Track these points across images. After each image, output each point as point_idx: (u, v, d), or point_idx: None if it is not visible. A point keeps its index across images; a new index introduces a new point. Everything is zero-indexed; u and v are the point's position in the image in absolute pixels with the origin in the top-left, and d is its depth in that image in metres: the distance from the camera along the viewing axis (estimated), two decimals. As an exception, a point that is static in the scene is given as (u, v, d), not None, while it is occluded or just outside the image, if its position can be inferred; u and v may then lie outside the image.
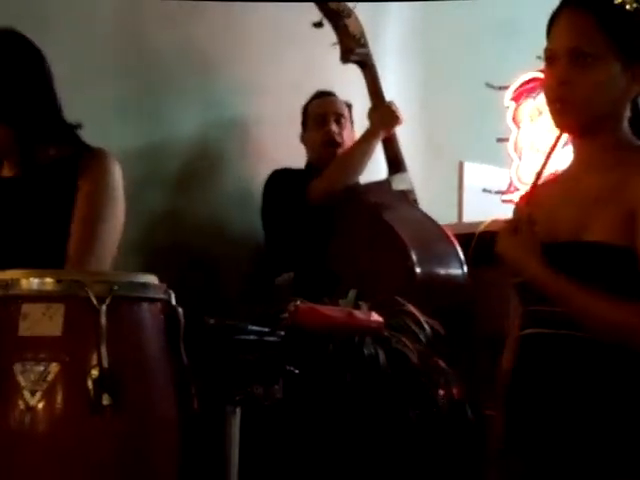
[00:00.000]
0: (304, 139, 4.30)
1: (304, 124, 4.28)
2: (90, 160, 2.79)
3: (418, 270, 3.58)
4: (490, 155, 4.32)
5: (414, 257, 3.58)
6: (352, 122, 4.23)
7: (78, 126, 2.83)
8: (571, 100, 2.07)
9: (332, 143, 4.15)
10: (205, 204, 4.27)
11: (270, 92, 4.34)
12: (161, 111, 4.14)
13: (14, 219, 2.74)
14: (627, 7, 2.07)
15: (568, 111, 2.09)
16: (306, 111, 4.25)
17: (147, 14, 4.08)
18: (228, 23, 4.33)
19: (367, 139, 4.03)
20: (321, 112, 4.18)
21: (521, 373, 2.11)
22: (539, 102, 3.98)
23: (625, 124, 2.11)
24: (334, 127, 4.15)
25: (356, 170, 3.97)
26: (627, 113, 2.10)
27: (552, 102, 2.11)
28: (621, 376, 1.98)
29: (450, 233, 3.77)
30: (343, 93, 4.22)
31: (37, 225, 2.72)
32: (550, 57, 2.11)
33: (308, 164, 4.26)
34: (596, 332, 1.97)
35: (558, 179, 2.21)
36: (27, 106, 2.80)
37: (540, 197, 2.17)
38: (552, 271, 2.00)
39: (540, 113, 3.99)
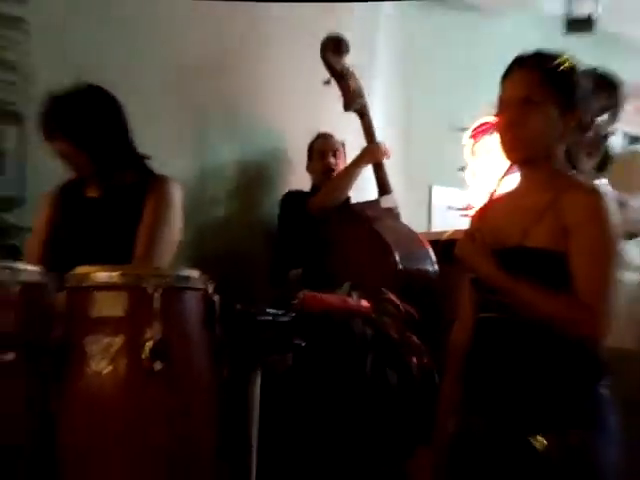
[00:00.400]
0: (309, 168, 4.29)
1: (309, 157, 4.28)
2: (155, 184, 2.80)
3: (400, 267, 3.61)
4: (453, 181, 4.33)
5: (397, 257, 3.61)
6: (345, 155, 4.21)
7: (147, 157, 2.83)
8: (520, 138, 2.07)
9: (330, 172, 4.15)
10: (240, 217, 4.30)
11: (288, 131, 4.34)
12: (209, 144, 4.15)
13: (98, 229, 2.74)
14: (563, 65, 2.08)
15: (517, 147, 2.09)
16: (312, 147, 4.24)
17: (198, 71, 4.08)
18: (258, 77, 4.34)
19: (353, 166, 4.05)
20: (322, 148, 4.18)
21: (477, 347, 2.10)
22: (491, 140, 3.98)
23: (560, 156, 2.10)
24: (332, 160, 4.16)
25: (343, 190, 4.01)
26: (562, 148, 2.09)
27: (504, 140, 2.11)
28: (548, 348, 1.98)
29: (423, 239, 3.80)
30: (344, 132, 4.22)
31: (115, 233, 2.72)
32: (504, 103, 2.10)
33: (313, 187, 4.24)
34: (532, 316, 1.98)
35: (506, 198, 2.20)
36: (106, 142, 2.81)
37: (492, 211, 2.18)
38: (500, 270, 2.00)
39: (490, 149, 3.99)
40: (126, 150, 2.85)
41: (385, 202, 3.94)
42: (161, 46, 3.99)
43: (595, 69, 3.18)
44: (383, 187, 3.97)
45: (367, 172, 4.07)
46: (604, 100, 3.15)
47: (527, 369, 2.00)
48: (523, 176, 2.15)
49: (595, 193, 2.03)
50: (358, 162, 4.01)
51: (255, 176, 4.36)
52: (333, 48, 3.95)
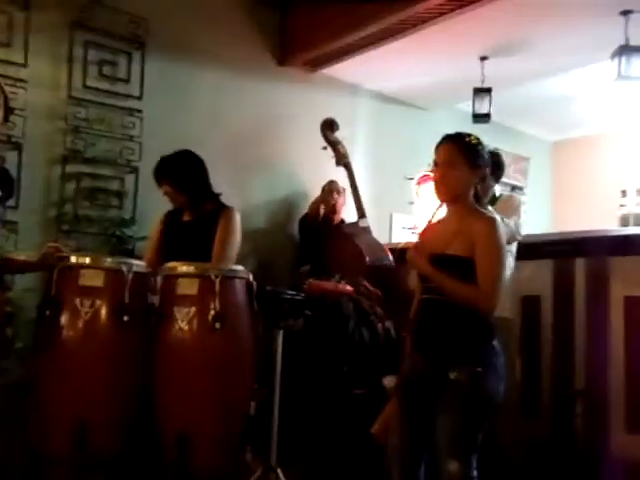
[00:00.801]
0: (321, 200, 4.04)
1: (322, 193, 4.04)
2: (225, 212, 2.75)
3: (369, 264, 3.54)
4: (405, 210, 4.28)
5: (367, 259, 3.55)
6: (345, 196, 4.02)
7: (219, 194, 2.80)
8: (444, 186, 2.05)
9: (333, 206, 3.97)
10: (273, 232, 4.16)
11: (303, 177, 4.23)
12: (251, 188, 4.05)
13: (190, 241, 2.69)
14: (471, 141, 2.05)
15: (443, 192, 2.06)
16: (324, 188, 4.04)
17: (244, 141, 4.01)
18: (284, 144, 4.23)
19: None
20: (331, 188, 3.99)
21: (420, 316, 2.07)
22: (427, 186, 3.94)
23: (470, 197, 2.07)
24: (335, 196, 3.96)
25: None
26: (471, 191, 2.06)
27: (436, 187, 2.09)
28: (461, 317, 1.95)
29: (386, 248, 3.75)
30: (336, 178, 4.08)
31: (200, 244, 2.66)
32: (436, 164, 2.08)
33: (320, 214, 4.03)
34: (452, 297, 1.95)
35: (439, 223, 2.17)
36: (196, 187, 2.78)
37: (430, 231, 2.15)
38: (432, 267, 1.98)
39: (428, 191, 3.95)
40: (207, 190, 2.82)
41: (362, 223, 3.86)
42: (223, 124, 3.95)
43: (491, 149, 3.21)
44: (360, 212, 3.90)
45: (349, 202, 3.96)
46: (493, 168, 3.12)
47: (448, 330, 1.97)
48: (448, 209, 2.12)
49: (491, 220, 2.00)
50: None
51: (282, 208, 4.27)
52: (328, 127, 3.88)
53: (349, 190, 3.91)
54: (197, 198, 2.78)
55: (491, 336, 1.99)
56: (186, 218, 2.84)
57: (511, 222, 2.97)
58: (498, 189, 3.31)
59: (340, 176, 4.04)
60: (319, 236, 3.84)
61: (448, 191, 2.05)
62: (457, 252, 1.97)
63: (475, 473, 1.92)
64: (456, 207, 2.07)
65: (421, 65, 4.27)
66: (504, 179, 4.06)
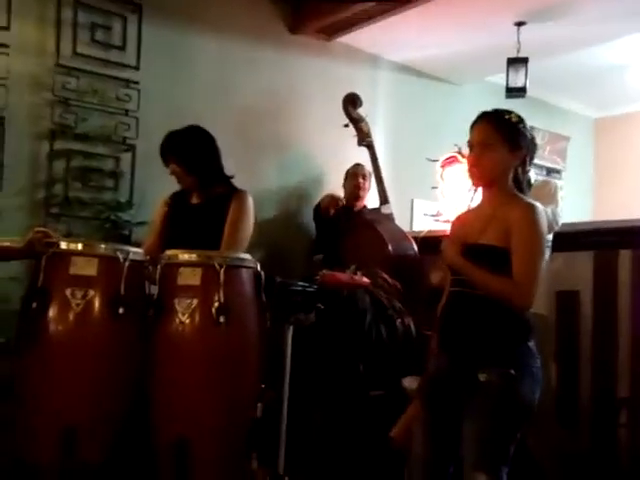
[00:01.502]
0: (344, 185, 4.10)
1: (345, 178, 4.08)
2: (236, 195, 2.75)
3: (392, 254, 3.54)
4: (428, 195, 4.25)
5: (390, 247, 3.55)
6: (370, 180, 4.05)
7: (231, 176, 2.80)
8: (480, 169, 2.04)
9: (358, 190, 3.98)
10: (285, 220, 4.20)
11: (320, 159, 4.22)
12: (262, 170, 4.08)
13: (199, 226, 2.70)
14: (512, 119, 2.04)
15: (478, 176, 2.06)
16: (348, 171, 4.06)
17: (257, 117, 4.02)
18: (300, 121, 4.24)
19: None
20: (356, 172, 4.01)
21: (447, 311, 2.07)
22: (453, 169, 3.93)
23: (509, 181, 2.05)
24: (361, 181, 3.99)
25: None
26: (510, 175, 2.05)
27: (470, 171, 2.08)
28: (494, 313, 1.95)
29: (409, 236, 3.75)
30: (357, 160, 4.11)
31: (209, 228, 2.67)
32: (470, 145, 2.07)
33: (346, 199, 4.09)
34: (483, 291, 1.94)
35: (473, 210, 2.16)
36: (206, 167, 2.77)
37: (463, 219, 2.15)
38: (463, 259, 1.97)
39: (454, 174, 3.94)
40: (218, 171, 2.81)
41: (384, 209, 3.88)
42: (230, 99, 3.95)
43: None
44: (383, 197, 3.91)
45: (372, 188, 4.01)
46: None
47: (479, 326, 1.96)
48: (483, 195, 2.11)
49: (530, 206, 1.99)
50: None
51: (295, 192, 4.27)
52: (351, 102, 3.90)
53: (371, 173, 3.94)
54: (207, 180, 2.78)
55: (527, 335, 1.98)
56: (194, 201, 2.83)
57: (548, 210, 2.95)
58: (532, 174, 3.29)
59: (360, 157, 4.03)
60: (336, 223, 3.84)
61: (483, 175, 2.04)
62: (491, 241, 1.96)
63: None
64: (492, 193, 2.06)
65: (448, 33, 4.23)
66: (539, 161, 4.03)
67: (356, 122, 3.89)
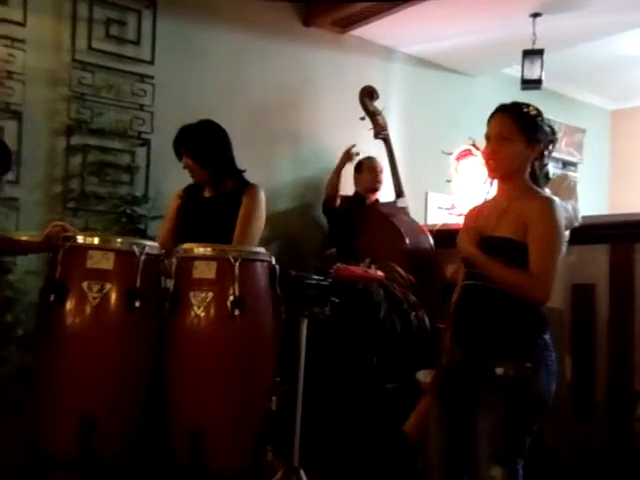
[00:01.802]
0: (356, 178, 4.08)
1: (359, 170, 4.06)
2: (249, 189, 2.75)
3: (409, 247, 3.53)
4: (442, 189, 4.23)
5: (407, 241, 3.53)
6: (383, 175, 4.03)
7: (243, 170, 2.81)
8: (497, 162, 2.03)
9: (377, 186, 4.00)
10: (299, 213, 4.19)
11: (333, 152, 4.13)
12: (277, 157, 4.09)
13: (211, 219, 2.71)
14: (531, 112, 2.03)
15: (495, 168, 2.04)
16: (362, 164, 4.04)
17: (270, 110, 4.03)
18: (314, 114, 4.24)
19: (339, 168, 4.00)
20: (374, 166, 4.00)
21: (461, 304, 2.06)
22: (468, 161, 3.92)
23: (526, 175, 2.04)
24: (381, 177, 3.99)
25: (338, 185, 3.98)
26: (527, 169, 2.04)
27: (487, 163, 2.07)
28: (509, 306, 1.95)
29: (425, 229, 3.74)
30: (367, 150, 4.09)
31: (222, 222, 2.68)
32: (487, 137, 2.05)
33: (355, 193, 4.08)
34: (498, 284, 1.93)
35: (488, 203, 2.15)
36: (219, 161, 2.77)
37: (478, 211, 2.14)
38: (480, 251, 1.97)
39: (469, 168, 3.93)
40: (230, 165, 2.82)
41: (400, 203, 3.87)
42: (244, 92, 3.95)
43: None
44: (399, 191, 3.89)
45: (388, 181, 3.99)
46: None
47: (494, 320, 1.96)
48: (499, 188, 2.09)
49: (548, 200, 1.98)
50: (337, 166, 3.97)
51: (309, 185, 4.25)
52: (368, 95, 3.88)
53: (387, 166, 3.91)
54: (220, 173, 2.79)
55: (543, 328, 1.97)
56: (207, 194, 2.85)
57: (569, 206, 2.93)
58: (550, 167, 3.27)
59: (373, 150, 4.02)
60: (348, 216, 3.84)
61: (500, 168, 2.03)
62: (507, 234, 1.95)
63: None
64: (508, 186, 2.04)
65: (463, 24, 4.21)
66: (555, 154, 3.97)
67: (373, 115, 3.87)
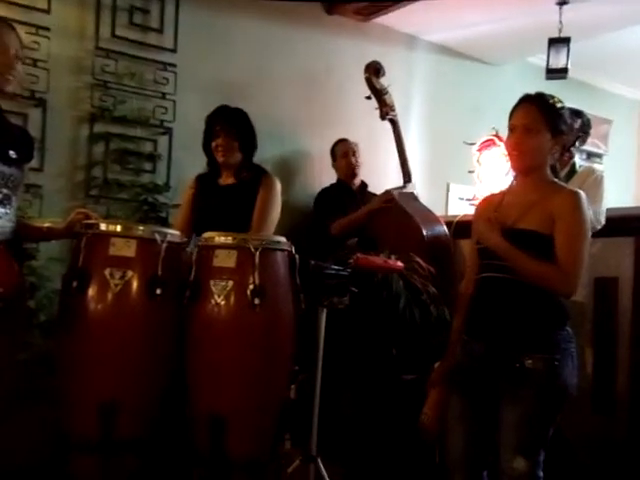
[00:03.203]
0: (335, 166, 3.95)
1: (333, 157, 3.95)
2: (265, 178, 2.80)
3: (426, 238, 3.49)
4: (464, 180, 4.20)
5: (424, 231, 3.49)
6: (359, 154, 3.90)
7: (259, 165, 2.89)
8: (521, 154, 2.01)
9: (353, 169, 3.86)
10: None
11: (353, 136, 4.01)
12: (299, 148, 4.06)
13: (230, 207, 2.74)
14: (556, 104, 2.03)
15: (519, 160, 2.03)
16: (334, 150, 3.93)
17: (296, 99, 4.03)
18: (337, 100, 4.22)
19: (369, 210, 3.65)
20: (345, 150, 3.88)
21: (481, 297, 2.06)
22: (490, 152, 3.88)
23: (548, 168, 2.04)
24: (353, 159, 3.87)
25: (356, 226, 3.63)
26: (549, 162, 2.04)
27: (510, 155, 2.06)
28: (532, 298, 1.95)
29: (440, 219, 3.69)
30: (382, 138, 4.00)
31: (241, 210, 2.72)
32: (511, 128, 2.04)
33: (338, 180, 3.95)
34: (523, 276, 1.93)
35: (505, 194, 2.14)
36: (254, 145, 2.86)
37: (495, 203, 2.12)
38: (506, 242, 1.95)
39: (491, 158, 3.89)
40: (253, 154, 2.89)
41: (409, 188, 3.78)
42: (266, 80, 3.94)
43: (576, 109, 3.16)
44: (407, 176, 3.78)
45: (392, 162, 3.86)
46: (577, 130, 3.06)
47: (519, 313, 1.96)
48: (520, 180, 2.08)
49: (575, 193, 1.97)
50: (373, 206, 3.65)
51: (332, 174, 4.11)
52: (374, 71, 3.70)
53: (394, 149, 3.77)
54: (250, 158, 2.83)
55: (565, 319, 1.98)
56: (225, 181, 2.86)
57: (590, 212, 2.90)
58: (577, 159, 3.24)
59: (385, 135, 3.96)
60: (357, 204, 3.78)
61: (524, 160, 2.02)
62: (532, 227, 1.94)
63: (541, 474, 1.92)
64: (531, 179, 2.03)
65: (487, 12, 4.15)
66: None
67: (379, 94, 3.67)
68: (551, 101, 2.02)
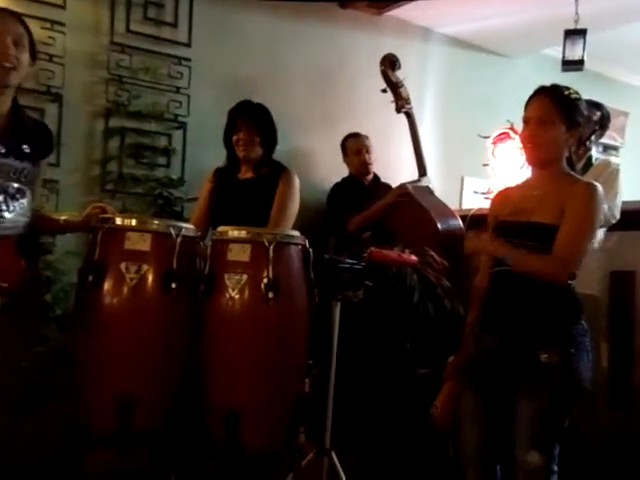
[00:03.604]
0: (346, 161, 3.91)
1: (345, 153, 3.90)
2: (284, 174, 2.80)
3: (440, 231, 3.47)
4: (478, 173, 4.17)
5: (439, 225, 3.46)
6: (371, 148, 3.85)
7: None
8: (536, 147, 1.99)
9: (367, 166, 3.83)
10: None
11: (367, 133, 3.95)
12: (312, 141, 4.03)
13: (249, 201, 2.75)
14: (571, 96, 2.00)
15: (534, 152, 2.01)
16: (344, 145, 3.89)
17: (308, 95, 4.02)
18: (351, 94, 4.21)
19: (385, 204, 3.59)
20: (357, 147, 3.84)
21: (495, 290, 2.05)
22: (505, 145, 3.85)
23: (564, 161, 2.02)
24: (367, 156, 3.83)
25: (373, 220, 3.59)
26: (565, 154, 2.02)
27: (526, 147, 2.04)
28: (546, 292, 1.94)
29: (454, 211, 3.66)
30: (396, 132, 4.00)
31: (260, 204, 2.72)
32: (526, 120, 2.02)
33: (350, 175, 3.91)
34: (524, 272, 1.93)
35: (520, 187, 2.14)
36: (275, 140, 2.87)
37: (511, 196, 2.11)
38: (500, 245, 1.97)
39: (506, 151, 3.86)
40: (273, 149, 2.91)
41: (424, 182, 3.76)
42: (280, 74, 3.94)
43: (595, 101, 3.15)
44: (422, 169, 3.76)
45: (406, 155, 3.86)
46: (595, 122, 3.03)
47: (533, 306, 1.95)
48: (536, 173, 2.07)
49: (592, 186, 1.95)
50: (389, 200, 3.60)
51: (344, 169, 4.22)
52: (389, 64, 3.70)
53: (409, 143, 3.76)
54: (270, 154, 2.84)
55: (580, 313, 1.97)
56: (244, 176, 2.86)
57: (605, 206, 2.88)
58: (594, 152, 3.21)
59: (399, 127, 3.94)
60: (358, 205, 3.74)
61: (539, 153, 2.00)
62: (546, 220, 1.93)
63: (556, 468, 1.91)
64: (547, 172, 2.01)
65: (503, 4, 4.12)
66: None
67: (395, 87, 3.66)
68: (566, 93, 1.99)
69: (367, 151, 3.84)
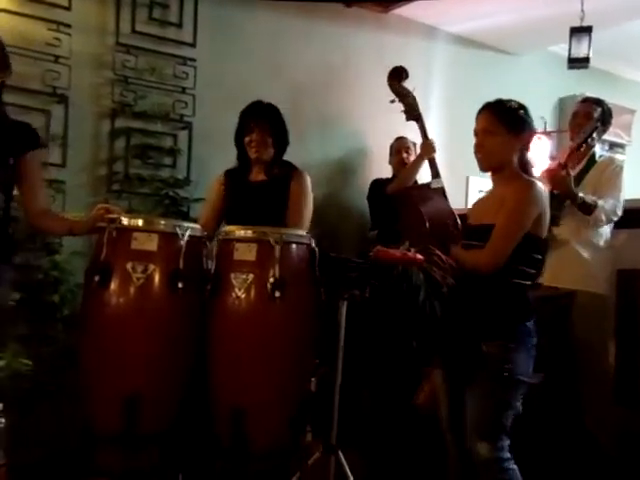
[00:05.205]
0: (390, 162, 4.07)
1: (390, 153, 4.07)
2: (296, 175, 2.79)
3: (428, 232, 3.48)
4: (484, 173, 4.16)
5: (427, 224, 3.49)
6: (416, 151, 3.96)
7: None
8: (484, 155, 2.20)
9: (404, 165, 3.93)
10: (337, 197, 4.18)
11: (370, 131, 4.17)
12: (319, 142, 4.07)
13: (263, 203, 2.74)
14: (511, 106, 2.21)
15: (483, 160, 2.22)
16: (392, 146, 4.05)
17: (304, 92, 4.03)
18: (349, 95, 4.23)
19: (416, 161, 3.82)
20: (398, 147, 3.99)
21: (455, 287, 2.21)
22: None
23: (515, 164, 2.18)
24: (405, 155, 3.96)
25: (409, 178, 3.80)
26: (515, 158, 2.18)
27: (476, 156, 2.23)
28: (497, 291, 2.11)
29: (455, 214, 3.67)
30: (407, 133, 4.03)
31: (274, 206, 2.71)
32: (475, 133, 2.24)
33: (393, 175, 4.02)
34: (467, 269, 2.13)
35: (488, 192, 2.36)
36: (287, 140, 2.86)
37: (478, 202, 2.40)
38: (442, 252, 2.23)
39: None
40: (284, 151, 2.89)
41: (435, 184, 3.78)
42: (285, 74, 3.95)
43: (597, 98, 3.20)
44: (434, 171, 3.82)
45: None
46: (596, 119, 3.02)
47: (481, 302, 2.10)
48: (492, 178, 2.26)
49: (528, 182, 2.11)
50: (418, 158, 3.81)
51: (349, 168, 4.23)
52: (396, 76, 3.73)
53: (417, 141, 3.81)
54: (282, 154, 2.85)
55: (529, 315, 2.11)
56: (256, 178, 2.85)
57: (606, 205, 2.88)
58: (598, 149, 3.20)
59: (414, 131, 3.96)
60: (391, 199, 3.79)
61: (488, 160, 2.20)
62: (490, 220, 2.10)
63: (507, 455, 2.02)
64: (500, 176, 2.21)
65: (508, 1, 4.12)
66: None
67: (403, 97, 3.72)
68: (507, 105, 2.20)
69: (407, 151, 3.99)
